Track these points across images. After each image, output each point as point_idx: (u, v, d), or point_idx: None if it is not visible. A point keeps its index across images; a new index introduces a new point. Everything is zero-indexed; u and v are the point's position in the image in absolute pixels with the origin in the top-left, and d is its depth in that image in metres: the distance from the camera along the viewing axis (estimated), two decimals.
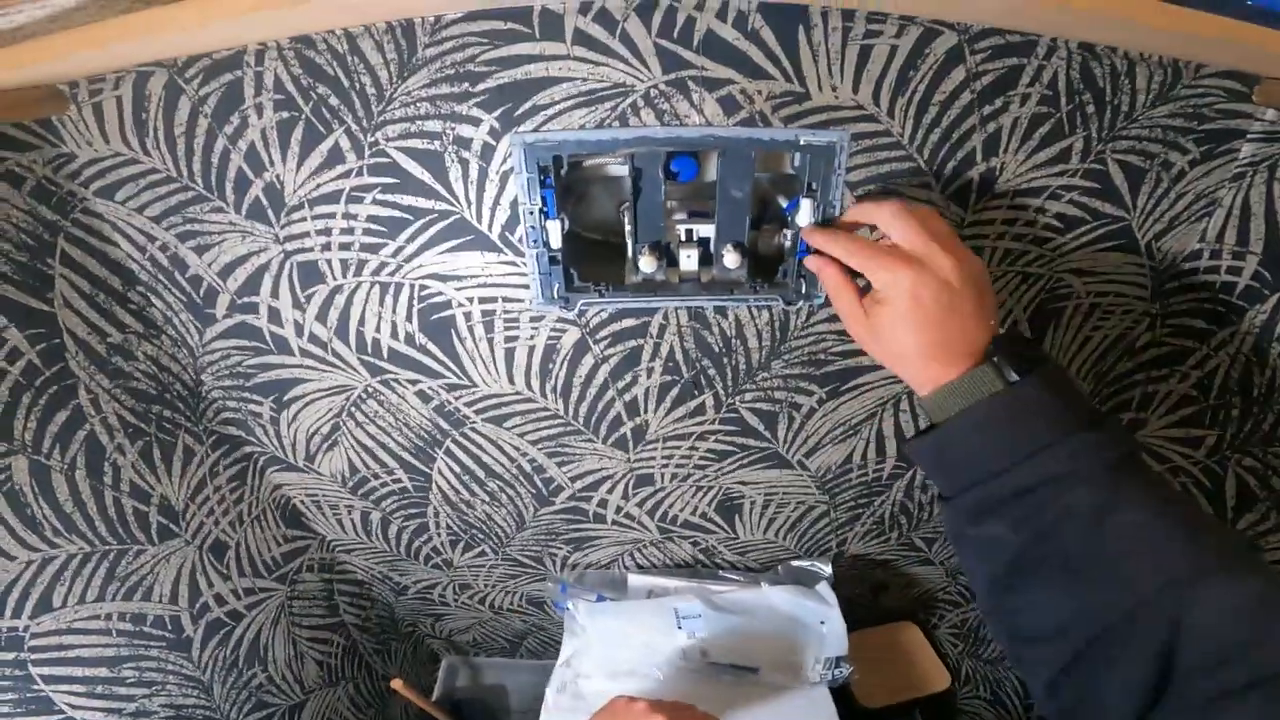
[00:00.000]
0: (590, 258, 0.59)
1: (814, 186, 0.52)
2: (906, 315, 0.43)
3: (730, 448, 0.74)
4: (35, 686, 0.54)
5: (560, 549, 0.88)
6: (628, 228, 0.56)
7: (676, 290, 0.58)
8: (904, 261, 0.43)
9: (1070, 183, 0.55)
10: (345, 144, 0.51)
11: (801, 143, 0.50)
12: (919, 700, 0.81)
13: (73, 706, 0.56)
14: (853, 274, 0.48)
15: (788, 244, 0.57)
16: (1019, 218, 0.56)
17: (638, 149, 0.51)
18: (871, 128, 0.51)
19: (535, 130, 0.50)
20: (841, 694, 0.75)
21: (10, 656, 0.52)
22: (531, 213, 0.53)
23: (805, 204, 0.52)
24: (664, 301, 0.59)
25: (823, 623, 0.75)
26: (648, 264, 0.55)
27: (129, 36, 0.41)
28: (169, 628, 0.65)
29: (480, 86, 0.49)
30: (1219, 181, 0.56)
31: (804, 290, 0.58)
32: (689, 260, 0.56)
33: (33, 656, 0.53)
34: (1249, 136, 0.54)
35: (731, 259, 0.56)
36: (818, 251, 0.50)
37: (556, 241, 0.54)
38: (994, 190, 0.55)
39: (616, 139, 0.50)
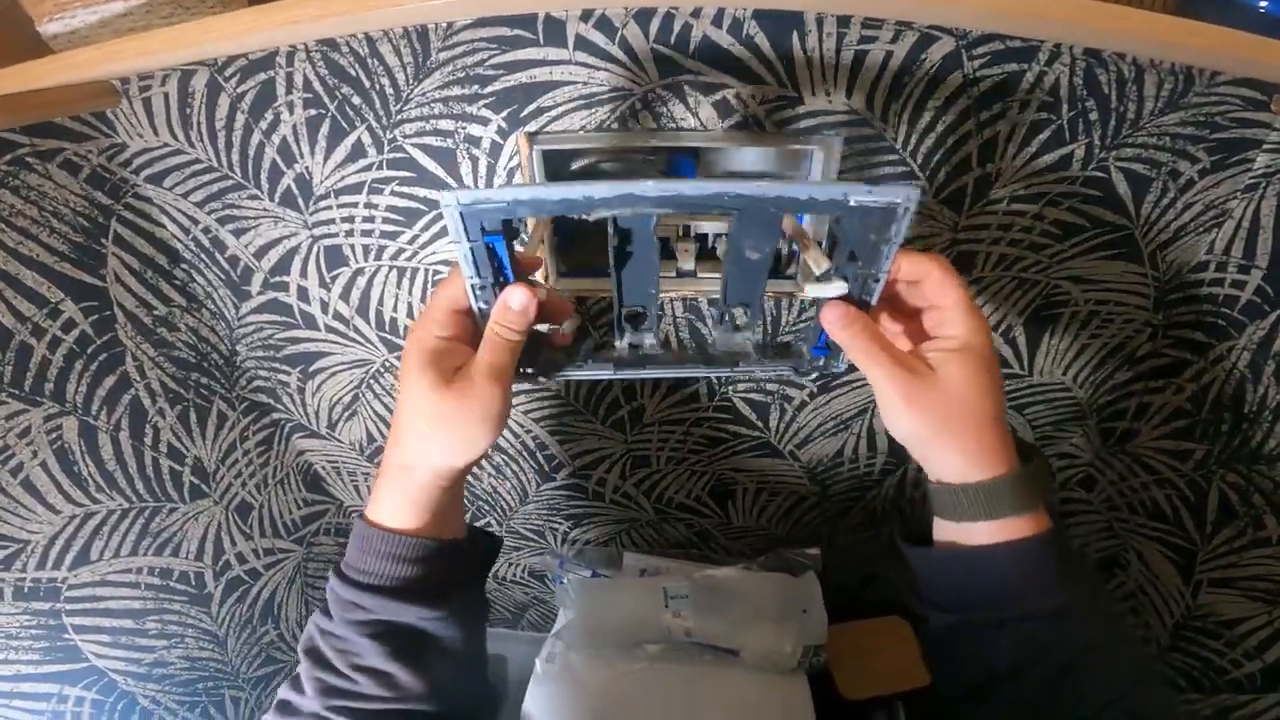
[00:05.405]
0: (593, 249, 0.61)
1: (857, 256, 0.41)
2: (985, 371, 0.40)
3: (723, 435, 0.79)
4: (66, 636, 0.60)
5: (561, 524, 0.95)
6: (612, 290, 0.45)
7: (668, 364, 0.49)
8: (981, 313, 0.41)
9: (1070, 189, 0.56)
10: (367, 140, 0.57)
11: (852, 204, 0.36)
12: (901, 694, 0.84)
13: (97, 655, 0.63)
14: None
15: (786, 247, 0.58)
16: (1015, 223, 0.58)
17: (621, 210, 0.37)
18: (865, 132, 0.54)
19: (541, 132, 0.55)
20: (822, 683, 0.79)
21: (46, 606, 0.59)
22: (478, 287, 0.41)
23: (835, 282, 0.42)
24: (652, 374, 0.50)
25: (805, 611, 0.79)
26: (627, 342, 0.48)
27: (174, 45, 0.47)
28: (193, 583, 0.73)
29: (489, 89, 0.54)
30: (1230, 192, 0.56)
31: (821, 362, 0.49)
32: (687, 257, 0.59)
33: (67, 607, 0.60)
34: (1265, 146, 0.53)
35: (739, 332, 0.48)
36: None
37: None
38: (989, 195, 0.57)
39: (590, 198, 0.35)
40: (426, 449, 0.42)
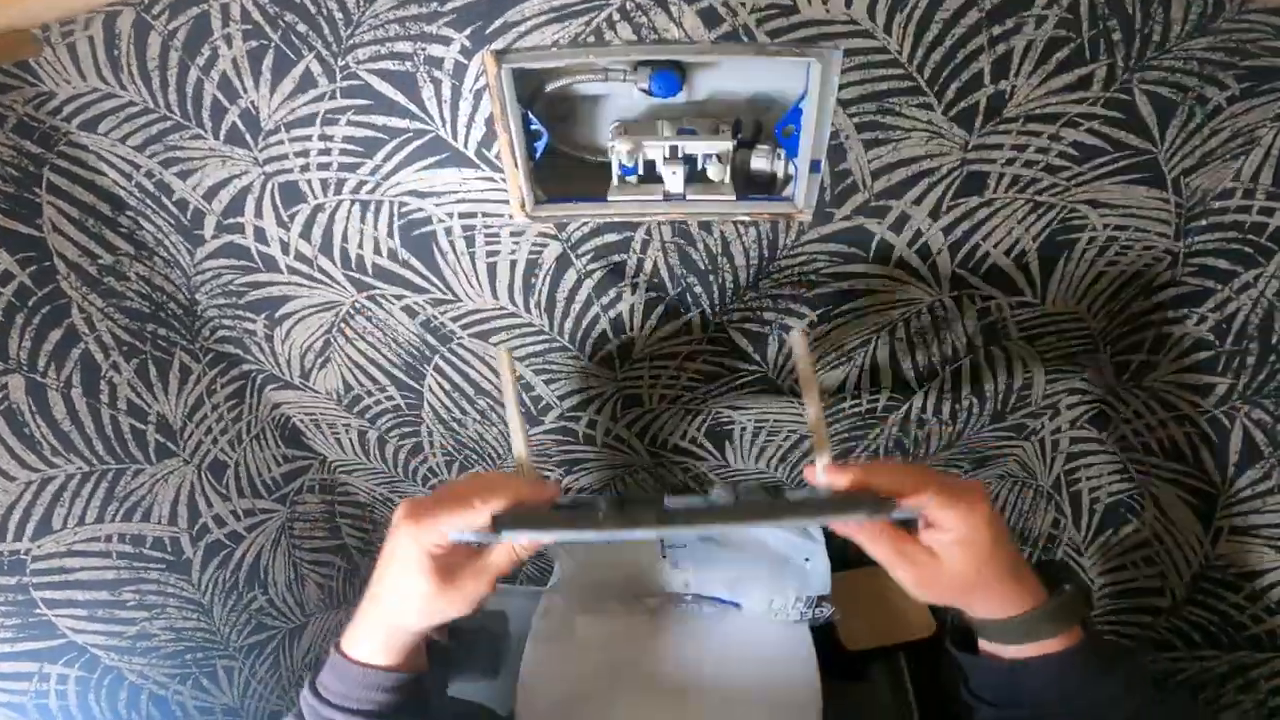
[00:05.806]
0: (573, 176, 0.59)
1: None
2: (987, 548, 0.44)
3: (719, 369, 0.77)
4: (38, 611, 0.58)
5: (552, 472, 0.94)
6: None
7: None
8: (976, 492, 0.45)
9: (1090, 110, 0.54)
10: (316, 69, 0.53)
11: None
12: (903, 645, 0.85)
13: (75, 630, 0.61)
14: None
15: (782, 168, 0.56)
16: (1030, 144, 0.56)
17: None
18: (866, 44, 0.50)
19: (510, 50, 0.50)
20: (825, 634, 0.79)
21: (13, 580, 0.57)
22: None
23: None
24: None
25: (807, 560, 0.78)
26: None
27: None
28: (168, 549, 0.71)
29: (449, 5, 0.49)
30: (1260, 120, 0.55)
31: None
32: (674, 178, 0.57)
33: (34, 580, 0.58)
34: None
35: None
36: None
37: None
38: (1003, 114, 0.54)
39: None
40: (409, 617, 0.49)
